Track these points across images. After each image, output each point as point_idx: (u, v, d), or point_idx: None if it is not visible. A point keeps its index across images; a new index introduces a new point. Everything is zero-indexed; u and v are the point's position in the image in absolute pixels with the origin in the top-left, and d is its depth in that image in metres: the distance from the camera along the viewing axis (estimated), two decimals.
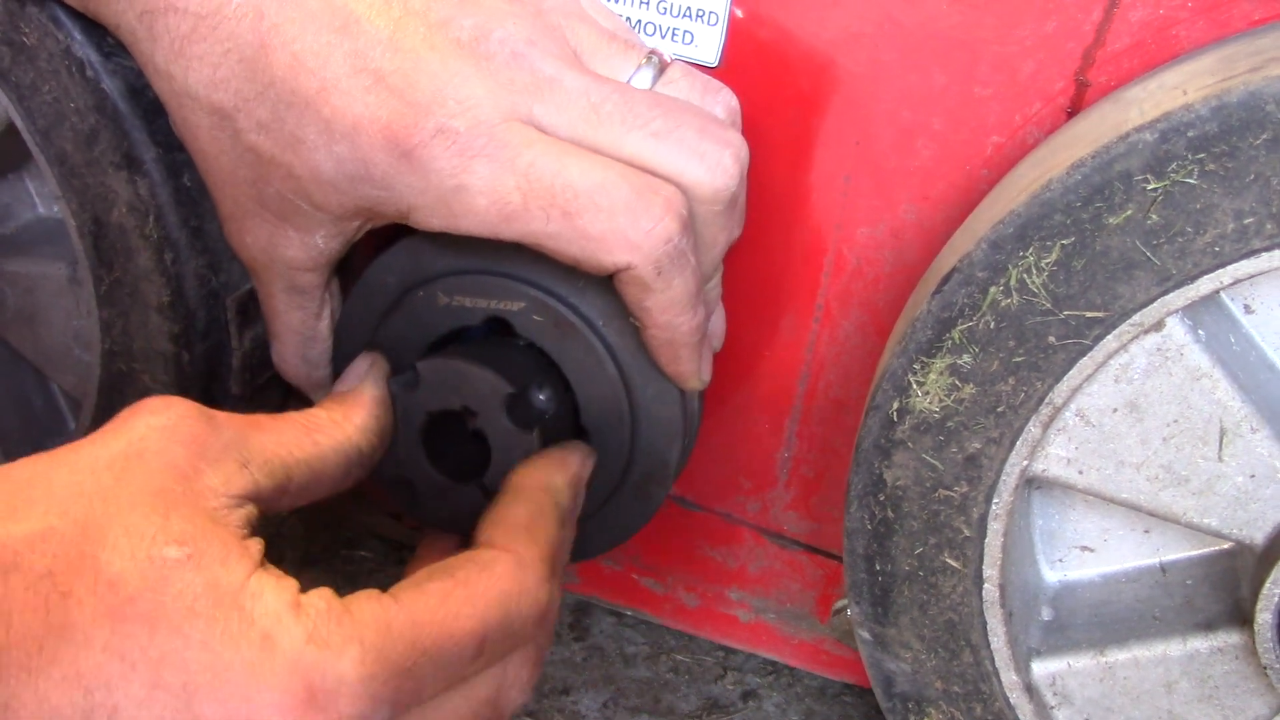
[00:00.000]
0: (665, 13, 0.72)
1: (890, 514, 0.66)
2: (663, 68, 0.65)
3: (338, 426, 0.62)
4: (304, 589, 0.53)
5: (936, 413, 0.63)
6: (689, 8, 0.72)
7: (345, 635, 0.49)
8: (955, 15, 0.67)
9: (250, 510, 0.54)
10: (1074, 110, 0.66)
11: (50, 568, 0.47)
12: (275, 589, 0.50)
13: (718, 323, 0.75)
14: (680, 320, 0.64)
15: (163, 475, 0.51)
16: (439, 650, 0.52)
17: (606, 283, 0.65)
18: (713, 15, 0.72)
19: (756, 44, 0.72)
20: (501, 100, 0.60)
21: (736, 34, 0.72)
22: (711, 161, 0.62)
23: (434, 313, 0.69)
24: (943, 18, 0.67)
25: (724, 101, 0.66)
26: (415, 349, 0.70)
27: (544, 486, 0.63)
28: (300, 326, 0.71)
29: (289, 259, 0.67)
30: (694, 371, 0.67)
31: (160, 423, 0.53)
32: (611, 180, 0.60)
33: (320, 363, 0.73)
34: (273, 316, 0.71)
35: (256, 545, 0.52)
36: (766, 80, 0.72)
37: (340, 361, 0.72)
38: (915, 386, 0.63)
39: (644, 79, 0.64)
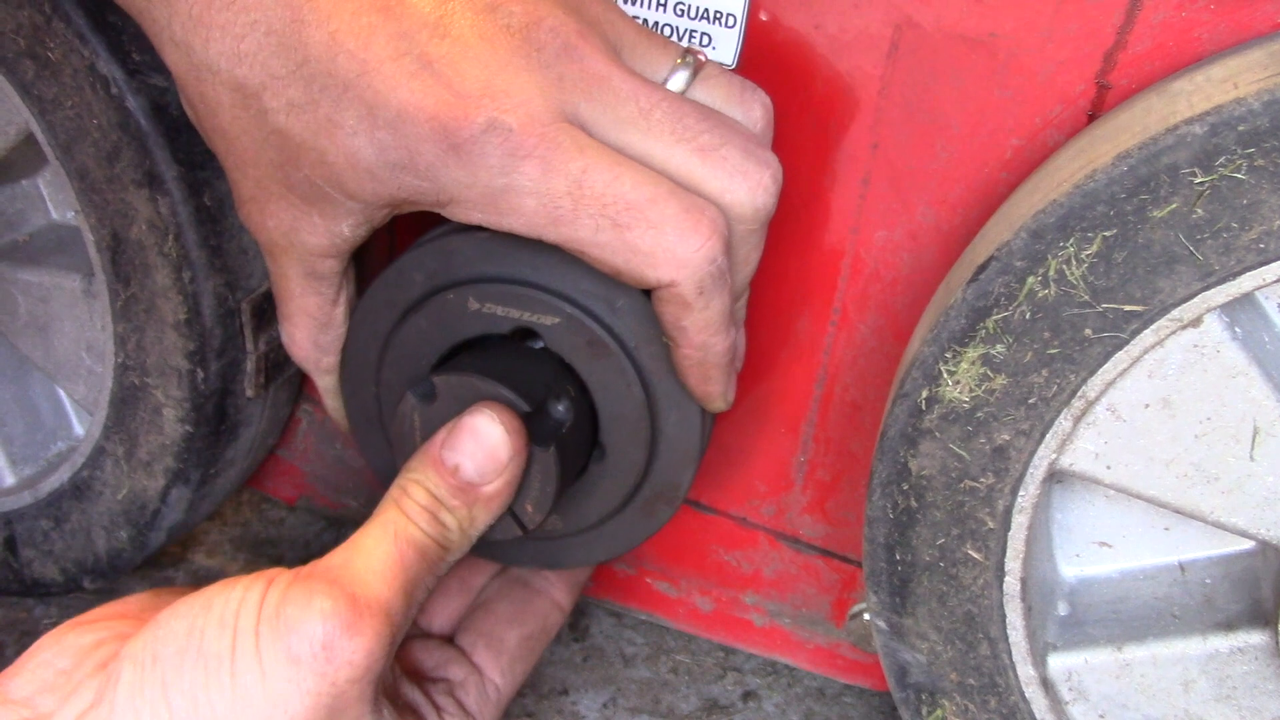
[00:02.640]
0: (683, 15, 0.72)
1: (913, 503, 0.66)
2: (698, 67, 0.65)
3: None
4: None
5: (966, 402, 0.63)
6: (707, 10, 0.72)
7: None
8: (975, 18, 0.67)
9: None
10: (1095, 113, 0.67)
11: None
12: None
13: (740, 343, 0.75)
14: (714, 340, 0.64)
15: None
16: None
17: (643, 306, 0.65)
18: (730, 18, 0.72)
19: (774, 46, 0.72)
20: (552, 97, 0.59)
21: (754, 36, 0.72)
22: (753, 181, 0.62)
23: (462, 317, 0.69)
24: (962, 20, 0.67)
25: (760, 101, 0.66)
26: (434, 349, 0.70)
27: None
28: (315, 311, 0.70)
29: (311, 245, 0.65)
30: (721, 393, 0.67)
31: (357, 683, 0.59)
32: (662, 196, 0.59)
33: (331, 349, 0.72)
34: (287, 299, 0.70)
35: None
36: (784, 83, 0.72)
37: (353, 348, 0.72)
38: (946, 375, 0.62)
39: (681, 78, 0.64)
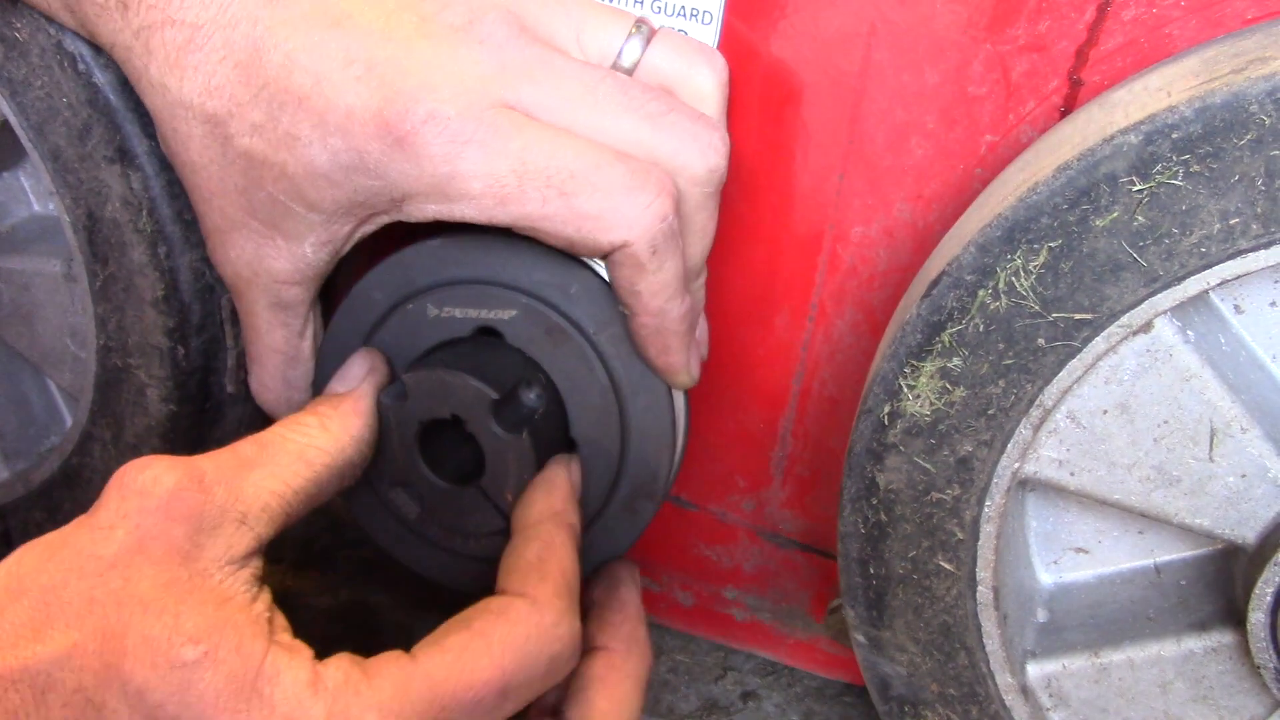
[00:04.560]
0: (660, 12, 0.72)
1: (883, 517, 0.66)
2: (652, 34, 0.66)
3: (334, 441, 0.62)
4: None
5: (927, 416, 0.62)
6: (683, 7, 0.72)
7: (364, 705, 0.51)
8: (949, 14, 0.67)
9: (256, 565, 0.55)
10: (1068, 109, 0.66)
11: (80, 683, 0.49)
12: (291, 667, 0.51)
13: (702, 330, 0.76)
14: (670, 306, 0.64)
15: (167, 565, 0.52)
16: (458, 703, 0.53)
17: (598, 288, 0.65)
18: (707, 14, 0.71)
19: (751, 43, 0.71)
20: (492, 84, 0.61)
21: (731, 32, 0.72)
22: (704, 142, 0.64)
23: (423, 325, 0.69)
24: (936, 16, 0.67)
25: (718, 57, 0.68)
26: (401, 363, 0.70)
27: (546, 518, 0.64)
28: (283, 346, 0.71)
29: (275, 271, 0.67)
30: (683, 364, 0.67)
31: (154, 504, 0.53)
32: (606, 160, 0.61)
33: (300, 386, 0.73)
34: (254, 337, 0.71)
35: (263, 610, 0.53)
36: (760, 78, 0.72)
37: (322, 384, 0.72)
38: (906, 390, 0.62)
39: (635, 46, 0.65)
